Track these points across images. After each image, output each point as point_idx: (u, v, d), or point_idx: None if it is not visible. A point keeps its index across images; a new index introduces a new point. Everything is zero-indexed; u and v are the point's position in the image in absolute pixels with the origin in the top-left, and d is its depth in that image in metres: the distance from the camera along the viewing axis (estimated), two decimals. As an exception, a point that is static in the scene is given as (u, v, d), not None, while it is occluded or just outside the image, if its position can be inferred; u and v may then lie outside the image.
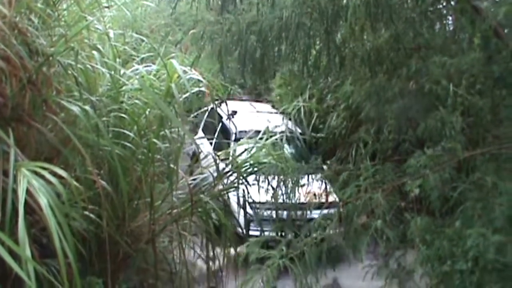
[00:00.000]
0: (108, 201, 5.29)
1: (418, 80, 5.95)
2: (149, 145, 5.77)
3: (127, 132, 5.53)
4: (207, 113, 10.04)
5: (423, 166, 5.42)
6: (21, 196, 3.60)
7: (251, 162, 6.57)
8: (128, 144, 5.52)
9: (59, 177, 4.01)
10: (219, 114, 9.21)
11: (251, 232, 7.53)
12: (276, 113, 9.34)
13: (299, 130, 9.39)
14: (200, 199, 6.16)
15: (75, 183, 4.41)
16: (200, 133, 10.24)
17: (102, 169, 5.49)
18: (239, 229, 7.58)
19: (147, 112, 5.85)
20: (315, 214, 6.67)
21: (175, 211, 6.22)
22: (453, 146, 5.53)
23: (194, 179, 6.64)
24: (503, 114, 5.15)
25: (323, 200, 6.88)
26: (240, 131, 9.19)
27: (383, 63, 5.87)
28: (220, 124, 9.01)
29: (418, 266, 6.71)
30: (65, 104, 4.88)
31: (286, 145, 8.42)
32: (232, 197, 6.98)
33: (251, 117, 10.26)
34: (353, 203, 5.82)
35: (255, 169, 6.58)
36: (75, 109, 4.82)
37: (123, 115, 5.55)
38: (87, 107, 4.88)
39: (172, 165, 5.89)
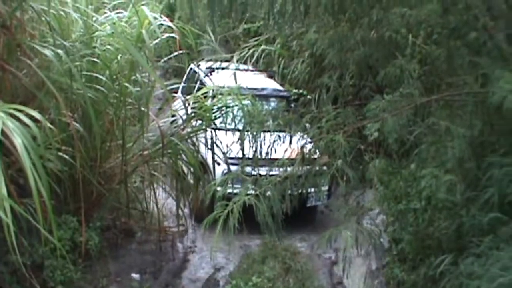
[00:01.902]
0: (82, 143, 5.50)
1: (379, 30, 6.14)
2: (121, 89, 5.95)
3: (100, 77, 5.69)
4: (186, 74, 10.13)
5: (382, 110, 5.68)
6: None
7: (219, 105, 6.76)
8: (101, 88, 5.68)
9: (35, 120, 4.12)
10: (197, 72, 9.28)
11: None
12: (256, 72, 9.34)
13: (279, 87, 9.71)
14: (171, 141, 6.36)
15: (49, 125, 4.60)
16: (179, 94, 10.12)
17: (75, 112, 5.68)
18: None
19: (118, 57, 5.98)
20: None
21: (146, 152, 6.46)
22: (411, 92, 5.81)
23: (165, 122, 6.82)
24: (457, 63, 5.40)
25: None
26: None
27: (346, 12, 6.03)
28: (198, 82, 8.99)
29: (376, 205, 7.16)
30: (39, 49, 5.02)
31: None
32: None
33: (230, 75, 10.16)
34: (315, 144, 6.07)
35: (223, 112, 6.76)
36: (49, 53, 4.96)
37: (95, 59, 5.68)
38: (60, 52, 5.02)
39: (143, 108, 6.08)
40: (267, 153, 6.44)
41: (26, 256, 4.83)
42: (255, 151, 6.43)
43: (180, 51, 6.26)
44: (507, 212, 4.62)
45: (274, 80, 10.13)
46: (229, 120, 6.86)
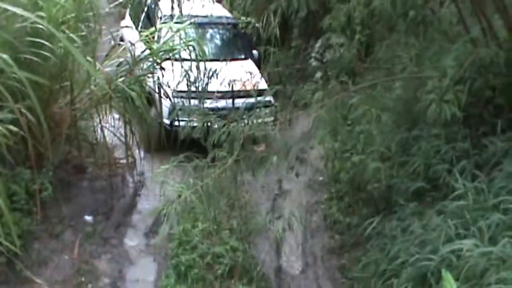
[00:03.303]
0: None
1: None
2: (67, 40, 5.94)
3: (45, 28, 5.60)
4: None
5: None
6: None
7: (165, 48, 6.83)
8: (46, 43, 5.67)
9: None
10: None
11: (176, 123, 7.37)
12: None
13: (229, 15, 9.62)
14: (116, 85, 6.48)
15: None
16: (127, 20, 9.82)
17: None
18: (165, 120, 7.74)
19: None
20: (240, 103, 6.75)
21: (94, 97, 6.58)
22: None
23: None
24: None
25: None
26: (165, 15, 8.89)
27: None
28: (146, 8, 8.80)
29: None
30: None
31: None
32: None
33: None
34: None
35: (169, 54, 6.86)
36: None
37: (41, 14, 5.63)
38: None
39: (89, 58, 6.12)
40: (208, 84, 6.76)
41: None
42: (199, 83, 6.69)
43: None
44: (430, 179, 5.11)
45: (223, 6, 10.03)
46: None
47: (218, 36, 9.47)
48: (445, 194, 4.70)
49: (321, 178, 7.47)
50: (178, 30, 6.93)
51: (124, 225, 6.59)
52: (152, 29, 7.28)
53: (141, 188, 7.32)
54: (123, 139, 7.16)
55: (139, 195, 7.22)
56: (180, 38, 6.86)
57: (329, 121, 5.90)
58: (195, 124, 5.66)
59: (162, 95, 7.27)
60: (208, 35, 9.01)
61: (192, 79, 6.69)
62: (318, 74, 6.96)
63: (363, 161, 5.99)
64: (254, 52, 9.13)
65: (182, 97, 7.03)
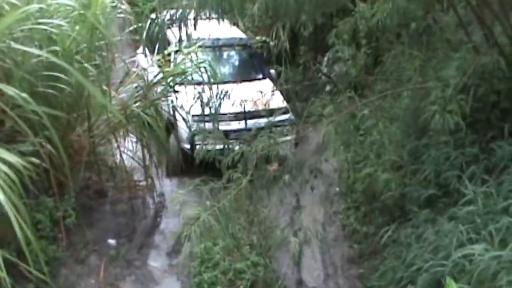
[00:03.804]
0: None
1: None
2: (82, 71, 6.15)
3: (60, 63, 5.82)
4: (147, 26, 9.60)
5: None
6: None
7: (177, 71, 7.02)
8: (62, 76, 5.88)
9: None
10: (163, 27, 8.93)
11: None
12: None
13: (243, 36, 9.56)
14: (132, 110, 6.67)
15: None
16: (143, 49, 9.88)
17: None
18: (185, 146, 7.88)
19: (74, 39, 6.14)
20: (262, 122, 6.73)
21: (111, 123, 6.77)
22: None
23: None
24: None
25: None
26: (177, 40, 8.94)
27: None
28: (158, 34, 8.79)
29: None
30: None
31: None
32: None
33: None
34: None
35: (182, 77, 7.05)
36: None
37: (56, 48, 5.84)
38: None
39: (104, 87, 6.32)
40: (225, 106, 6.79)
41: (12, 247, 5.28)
42: (216, 106, 6.78)
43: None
44: (441, 186, 5.20)
45: (238, 27, 9.95)
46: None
47: (234, 58, 9.50)
48: (456, 200, 4.78)
49: (337, 189, 7.58)
50: (188, 53, 7.10)
51: (146, 246, 6.74)
52: (164, 53, 7.43)
53: (162, 209, 7.49)
54: (141, 162, 7.34)
55: (160, 216, 7.38)
56: (191, 61, 7.01)
57: (341, 134, 6.05)
58: (217, 147, 5.83)
59: (180, 119, 7.39)
60: (223, 57, 9.11)
61: (208, 102, 6.80)
62: (328, 88, 7.10)
63: (375, 172, 6.13)
64: (272, 71, 9.11)
65: (200, 120, 7.16)
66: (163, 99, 7.19)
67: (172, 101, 7.11)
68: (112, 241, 6.63)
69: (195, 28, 6.19)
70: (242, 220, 6.94)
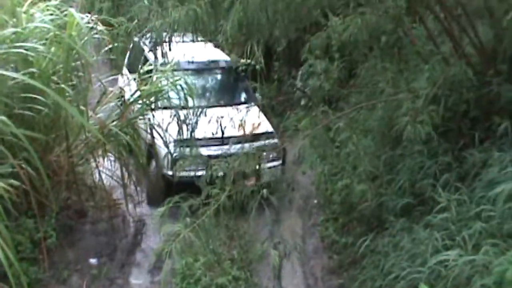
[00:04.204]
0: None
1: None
2: (59, 91, 6.19)
3: (36, 84, 5.85)
4: (130, 48, 9.63)
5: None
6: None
7: (152, 90, 7.09)
8: (38, 97, 5.91)
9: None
10: (142, 48, 8.79)
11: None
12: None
13: (227, 58, 9.26)
14: (110, 130, 6.72)
15: None
16: (125, 70, 9.94)
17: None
18: (167, 172, 7.58)
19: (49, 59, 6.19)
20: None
21: (89, 142, 6.81)
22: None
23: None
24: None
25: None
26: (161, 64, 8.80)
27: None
28: (143, 58, 8.74)
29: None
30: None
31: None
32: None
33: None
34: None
35: (158, 96, 7.12)
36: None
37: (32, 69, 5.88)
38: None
39: (81, 107, 6.37)
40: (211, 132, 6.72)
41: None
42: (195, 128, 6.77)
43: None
44: (416, 195, 5.33)
45: (221, 50, 9.70)
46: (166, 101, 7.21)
47: (218, 81, 9.30)
48: (431, 208, 4.91)
49: (315, 201, 7.68)
50: (164, 72, 7.16)
51: (128, 264, 6.74)
52: (140, 72, 7.50)
53: (142, 227, 7.51)
54: (120, 181, 7.38)
55: (141, 234, 7.40)
56: (167, 79, 7.06)
57: (317, 147, 6.15)
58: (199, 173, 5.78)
59: (161, 144, 7.38)
60: (207, 80, 8.98)
61: (187, 125, 6.79)
62: (303, 102, 7.20)
63: (351, 183, 6.25)
64: (257, 95, 8.80)
65: (181, 146, 6.96)
66: (141, 118, 7.20)
67: (149, 120, 7.13)
68: (93, 260, 6.63)
69: (169, 49, 6.30)
70: (223, 235, 7.00)
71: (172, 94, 7.31)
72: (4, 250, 4.52)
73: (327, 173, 7.12)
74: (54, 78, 6.29)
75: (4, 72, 5.37)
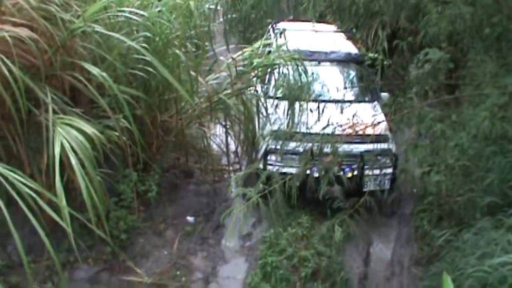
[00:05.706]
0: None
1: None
2: (173, 57, 6.59)
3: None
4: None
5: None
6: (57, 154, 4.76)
7: (265, 63, 7.29)
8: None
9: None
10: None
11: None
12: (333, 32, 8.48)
13: (352, 51, 8.83)
14: (219, 98, 7.05)
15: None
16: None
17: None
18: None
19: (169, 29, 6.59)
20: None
21: (198, 108, 7.18)
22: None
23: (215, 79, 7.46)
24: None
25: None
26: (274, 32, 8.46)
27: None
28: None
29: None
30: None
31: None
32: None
33: (302, 36, 8.92)
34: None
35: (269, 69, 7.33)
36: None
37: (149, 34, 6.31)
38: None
39: (192, 73, 6.72)
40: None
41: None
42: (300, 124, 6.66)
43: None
44: (505, 195, 5.13)
45: (354, 42, 9.14)
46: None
47: (342, 75, 8.57)
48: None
49: (414, 191, 7.54)
50: (280, 46, 7.32)
51: (222, 226, 7.09)
52: (255, 45, 7.69)
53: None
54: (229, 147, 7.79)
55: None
56: (281, 57, 7.15)
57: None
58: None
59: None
60: (331, 73, 8.34)
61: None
62: (414, 90, 7.02)
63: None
64: (383, 94, 8.30)
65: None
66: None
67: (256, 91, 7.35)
68: (190, 218, 7.06)
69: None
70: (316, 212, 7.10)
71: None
72: (91, 194, 4.91)
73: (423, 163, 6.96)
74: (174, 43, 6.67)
75: (119, 36, 5.79)
